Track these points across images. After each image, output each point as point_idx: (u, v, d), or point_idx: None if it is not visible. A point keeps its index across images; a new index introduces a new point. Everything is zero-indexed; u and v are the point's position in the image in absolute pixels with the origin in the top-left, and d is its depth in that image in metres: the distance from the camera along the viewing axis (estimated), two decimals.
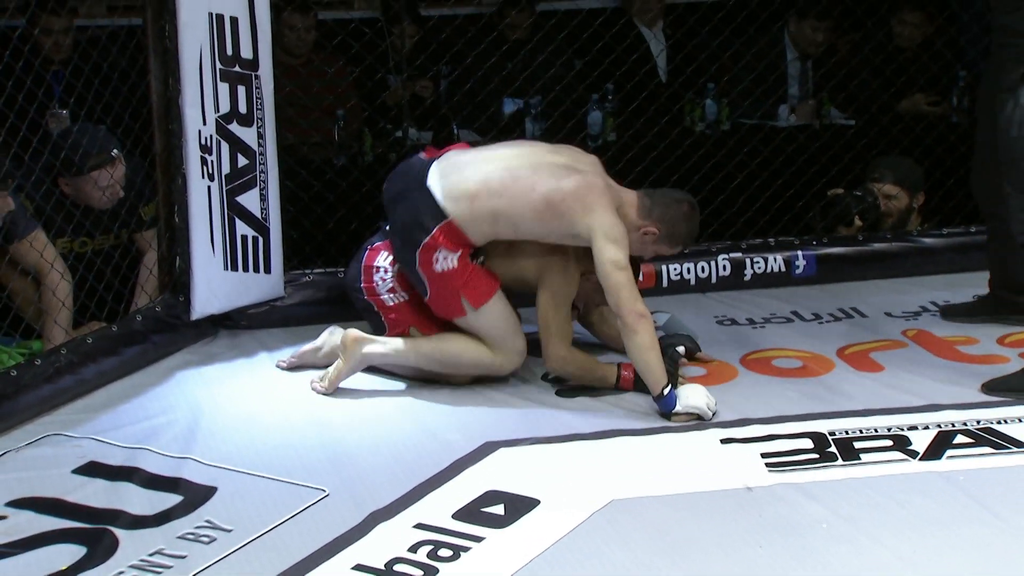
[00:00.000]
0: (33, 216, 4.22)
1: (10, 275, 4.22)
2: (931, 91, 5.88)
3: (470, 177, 3.85)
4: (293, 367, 4.17)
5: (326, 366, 4.05)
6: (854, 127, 5.67)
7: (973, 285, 4.70)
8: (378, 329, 4.08)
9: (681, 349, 4.11)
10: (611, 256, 3.75)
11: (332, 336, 4.14)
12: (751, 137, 5.44)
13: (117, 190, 4.39)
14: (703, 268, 4.95)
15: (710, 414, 3.72)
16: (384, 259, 4.05)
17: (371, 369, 4.09)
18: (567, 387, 4.00)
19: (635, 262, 3.94)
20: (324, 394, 3.95)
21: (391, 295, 4.03)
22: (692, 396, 3.73)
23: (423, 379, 4.05)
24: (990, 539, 3.02)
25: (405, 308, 4.01)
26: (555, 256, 3.92)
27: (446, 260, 3.83)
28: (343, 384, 4.01)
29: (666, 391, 3.72)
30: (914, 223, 5.24)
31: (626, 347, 3.80)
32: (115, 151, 4.34)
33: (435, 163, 3.92)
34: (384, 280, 4.03)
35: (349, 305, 4.51)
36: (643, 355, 3.75)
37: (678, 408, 3.71)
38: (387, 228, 4.07)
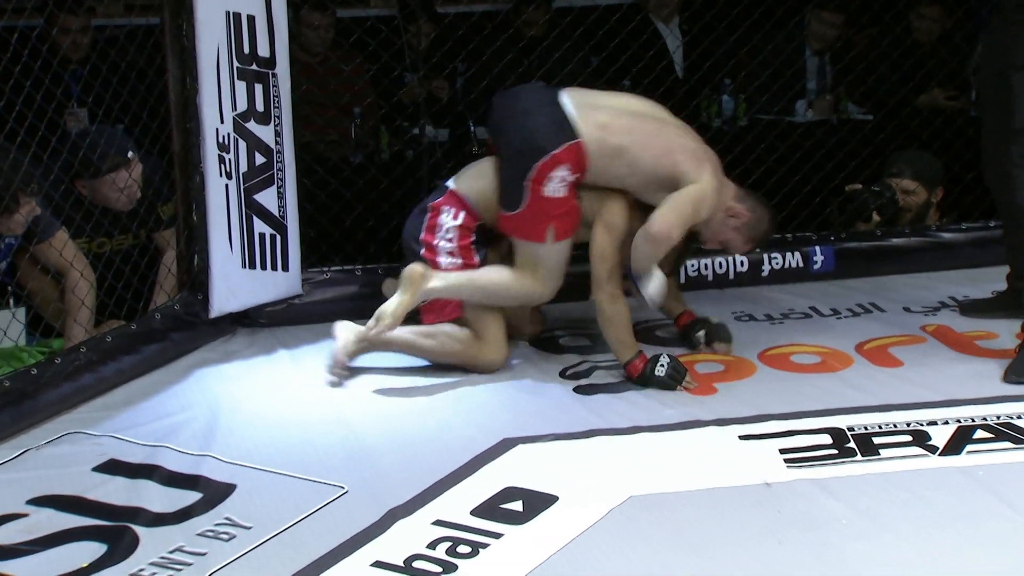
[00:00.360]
0: (52, 216, 4.23)
1: (31, 275, 4.24)
2: (949, 86, 5.86)
3: (602, 109, 3.98)
4: (345, 368, 4.10)
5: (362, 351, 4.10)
6: (872, 122, 5.65)
7: (992, 280, 4.68)
8: None
9: (701, 334, 4.19)
10: (665, 223, 3.90)
11: (344, 330, 4.14)
12: (768, 133, 5.42)
13: (135, 191, 4.40)
14: (720, 264, 4.94)
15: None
16: (447, 216, 4.06)
17: (388, 371, 4.10)
18: (585, 383, 4.00)
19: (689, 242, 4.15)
20: (389, 331, 3.94)
21: (449, 258, 4.05)
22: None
23: (450, 359, 4.05)
24: (1010, 534, 3.00)
25: (456, 271, 4.03)
26: (617, 194, 4.01)
27: (561, 183, 3.90)
28: (360, 382, 4.03)
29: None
30: (932, 218, 5.22)
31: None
32: (131, 152, 4.36)
33: (564, 91, 4.01)
34: (448, 241, 4.06)
35: (367, 302, 4.53)
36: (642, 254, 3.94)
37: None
38: (447, 183, 4.13)
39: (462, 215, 4.06)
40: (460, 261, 4.05)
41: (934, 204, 5.22)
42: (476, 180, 4.09)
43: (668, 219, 3.90)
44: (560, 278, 4.05)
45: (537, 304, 4.18)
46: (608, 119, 3.96)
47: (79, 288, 4.20)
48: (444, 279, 3.99)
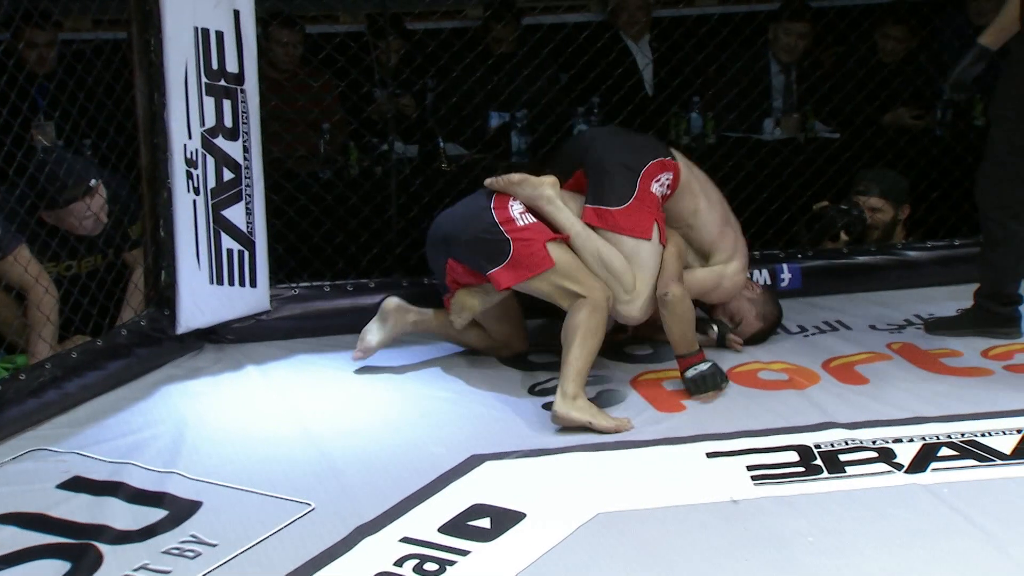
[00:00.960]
0: (17, 231, 4.20)
1: None
2: (914, 105, 5.90)
3: (684, 158, 4.28)
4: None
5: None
6: (838, 140, 5.69)
7: (957, 298, 4.72)
8: (491, 260, 3.97)
9: (714, 329, 4.39)
10: (706, 284, 4.26)
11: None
12: (736, 150, 5.45)
13: (101, 217, 4.37)
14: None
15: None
16: (515, 202, 4.07)
17: (356, 386, 4.09)
18: (553, 399, 4.00)
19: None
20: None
21: (523, 216, 4.03)
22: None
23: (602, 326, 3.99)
24: (974, 552, 3.02)
25: (536, 227, 4.01)
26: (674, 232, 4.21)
27: (662, 187, 4.10)
28: (328, 397, 4.03)
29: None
30: (898, 236, 5.25)
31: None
32: (94, 180, 4.32)
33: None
34: (515, 203, 4.05)
35: (335, 319, 4.53)
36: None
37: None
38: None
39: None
40: (534, 219, 4.02)
41: (900, 222, 5.25)
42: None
43: (690, 284, 4.14)
44: (652, 290, 4.03)
45: (627, 320, 4.09)
46: (692, 165, 4.27)
47: (44, 304, 4.16)
48: (565, 210, 4.04)
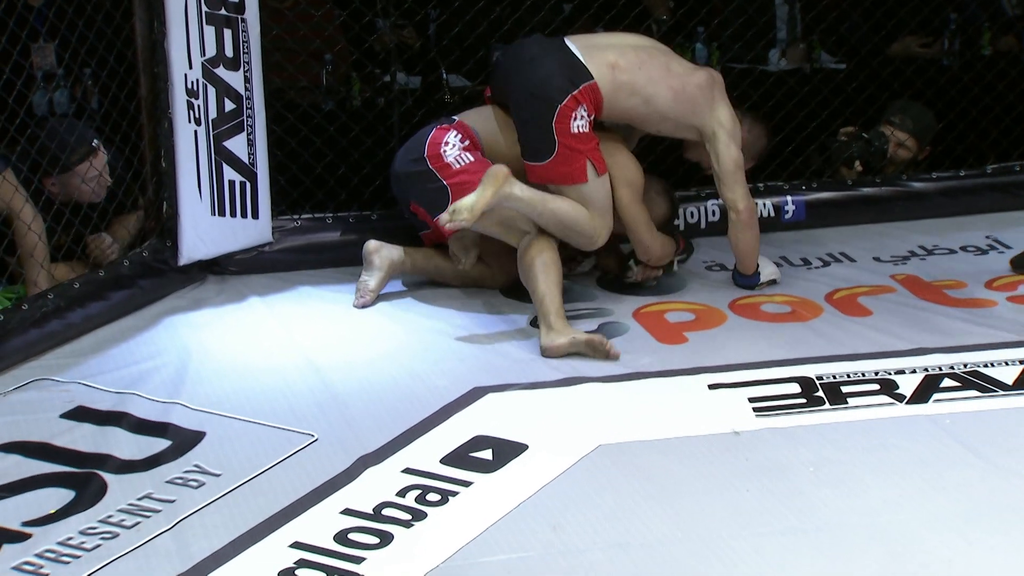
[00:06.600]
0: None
1: None
2: (922, 33, 5.84)
3: (609, 49, 4.06)
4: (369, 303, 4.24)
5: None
6: (845, 71, 5.64)
7: (962, 229, 4.71)
8: (432, 205, 4.05)
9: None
10: (734, 155, 4.12)
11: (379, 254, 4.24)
12: (741, 81, 5.40)
13: (105, 176, 4.33)
14: (692, 213, 4.94)
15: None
16: (454, 135, 4.11)
17: (358, 319, 4.09)
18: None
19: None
20: (468, 224, 3.80)
21: (458, 159, 4.06)
22: (767, 265, 4.31)
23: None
24: (976, 481, 3.03)
25: (473, 166, 4.04)
26: (620, 146, 4.15)
27: (582, 121, 3.95)
28: (331, 329, 4.04)
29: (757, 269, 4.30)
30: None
31: (736, 237, 4.26)
32: (95, 141, 4.29)
33: (566, 38, 4.10)
34: (452, 145, 4.08)
35: (337, 251, 4.52)
36: (751, 245, 4.27)
37: (763, 279, 4.27)
38: (452, 117, 4.21)
39: (467, 141, 4.11)
40: (472, 158, 4.06)
41: (918, 162, 5.21)
42: (484, 120, 4.17)
43: (741, 200, 4.17)
44: (611, 216, 4.05)
45: (595, 248, 4.15)
46: (615, 57, 4.03)
47: (28, 238, 4.08)
48: (524, 189, 3.91)
